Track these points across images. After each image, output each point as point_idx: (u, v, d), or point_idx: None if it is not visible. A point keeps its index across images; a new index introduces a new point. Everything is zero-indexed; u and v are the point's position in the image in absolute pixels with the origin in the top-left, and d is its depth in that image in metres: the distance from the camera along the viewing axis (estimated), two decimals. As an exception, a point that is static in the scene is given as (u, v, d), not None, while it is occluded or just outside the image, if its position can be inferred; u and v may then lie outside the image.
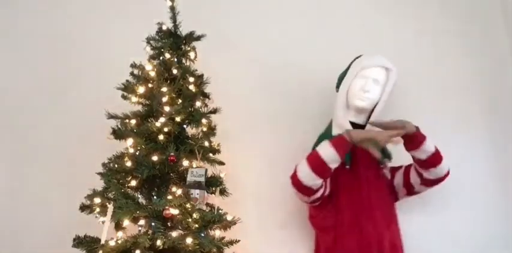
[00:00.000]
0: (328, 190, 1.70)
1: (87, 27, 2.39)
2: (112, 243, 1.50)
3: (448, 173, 1.75)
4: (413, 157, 1.73)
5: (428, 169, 1.71)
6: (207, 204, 1.75)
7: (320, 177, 1.58)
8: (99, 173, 1.71)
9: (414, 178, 1.77)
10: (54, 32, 2.41)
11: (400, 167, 1.84)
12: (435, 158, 1.68)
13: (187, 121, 1.78)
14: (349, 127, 1.76)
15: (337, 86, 1.87)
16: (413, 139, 1.66)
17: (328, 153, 1.57)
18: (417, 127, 1.66)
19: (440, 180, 1.76)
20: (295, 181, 1.61)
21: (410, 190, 1.82)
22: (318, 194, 1.64)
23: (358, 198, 1.70)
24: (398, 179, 1.82)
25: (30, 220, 2.09)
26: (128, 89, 1.81)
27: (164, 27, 1.87)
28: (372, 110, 1.81)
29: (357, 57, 1.87)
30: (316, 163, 1.58)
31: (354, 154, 1.73)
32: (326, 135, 1.82)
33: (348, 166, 1.72)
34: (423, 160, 1.68)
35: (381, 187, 1.77)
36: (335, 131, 1.80)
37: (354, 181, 1.73)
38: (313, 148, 1.84)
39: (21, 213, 2.11)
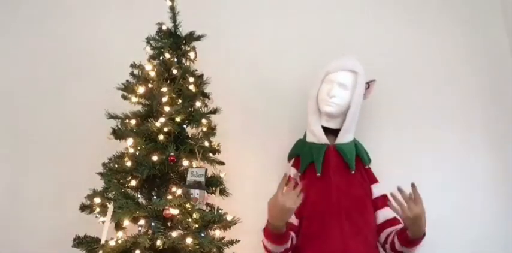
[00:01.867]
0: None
1: (87, 27, 2.40)
2: (112, 243, 1.50)
3: None
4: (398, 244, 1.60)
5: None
6: (207, 204, 1.75)
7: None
8: (99, 173, 1.71)
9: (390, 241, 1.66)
10: (54, 32, 2.41)
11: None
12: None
13: (187, 121, 1.79)
14: (320, 133, 1.77)
15: None
16: (413, 241, 1.55)
17: (269, 246, 1.57)
18: (424, 234, 1.55)
19: None
20: None
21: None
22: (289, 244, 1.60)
23: (327, 206, 1.66)
24: (386, 215, 1.70)
25: (30, 220, 2.09)
26: (128, 89, 1.81)
27: (164, 27, 1.87)
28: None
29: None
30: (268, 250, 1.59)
31: (326, 162, 1.73)
32: (301, 141, 1.86)
33: (319, 174, 1.71)
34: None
35: (355, 195, 1.70)
36: (309, 137, 1.83)
37: (324, 188, 1.70)
38: (289, 155, 1.88)
39: (21, 213, 2.11)
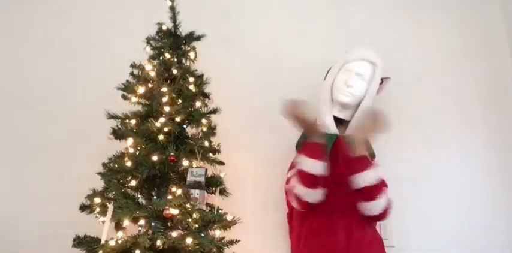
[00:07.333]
0: None
1: (87, 27, 2.40)
2: (112, 243, 1.50)
3: (386, 212, 1.53)
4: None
5: (361, 203, 1.53)
6: (207, 204, 1.75)
7: (319, 188, 1.52)
8: (99, 173, 1.71)
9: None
10: (54, 32, 2.41)
11: None
12: (371, 191, 1.50)
13: (187, 121, 1.79)
14: (332, 123, 1.73)
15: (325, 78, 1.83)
16: (358, 162, 1.51)
17: (310, 165, 1.51)
18: (372, 155, 1.57)
19: (377, 218, 1.57)
20: (304, 205, 1.55)
21: None
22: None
23: (335, 197, 1.57)
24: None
25: (29, 220, 2.09)
26: (127, 89, 1.81)
27: (164, 27, 1.88)
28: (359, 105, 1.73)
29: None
30: (307, 180, 1.51)
31: (335, 152, 1.65)
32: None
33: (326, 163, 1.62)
34: (357, 189, 1.51)
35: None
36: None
37: (331, 179, 1.59)
38: (297, 143, 1.81)
39: (21, 213, 2.11)
